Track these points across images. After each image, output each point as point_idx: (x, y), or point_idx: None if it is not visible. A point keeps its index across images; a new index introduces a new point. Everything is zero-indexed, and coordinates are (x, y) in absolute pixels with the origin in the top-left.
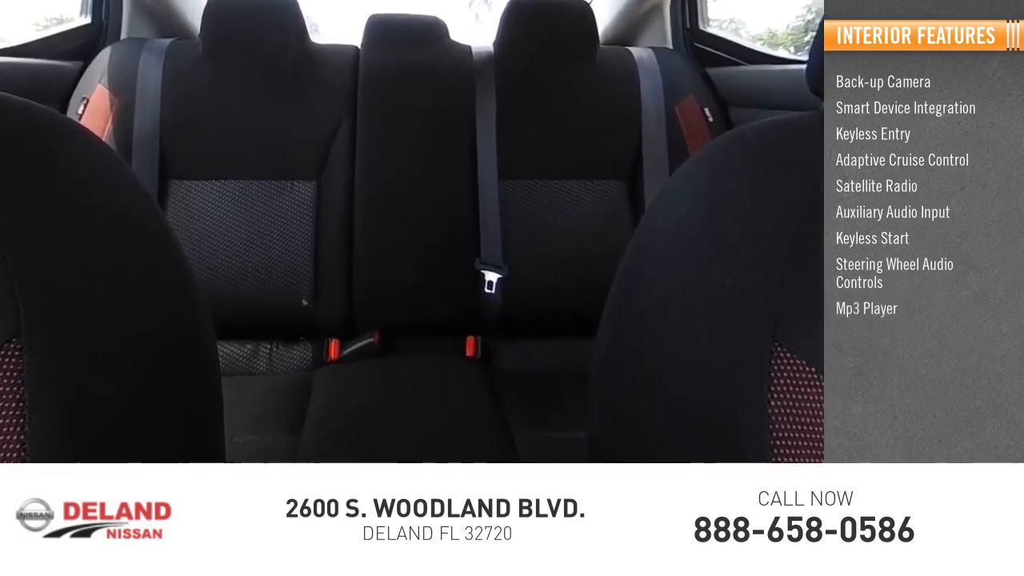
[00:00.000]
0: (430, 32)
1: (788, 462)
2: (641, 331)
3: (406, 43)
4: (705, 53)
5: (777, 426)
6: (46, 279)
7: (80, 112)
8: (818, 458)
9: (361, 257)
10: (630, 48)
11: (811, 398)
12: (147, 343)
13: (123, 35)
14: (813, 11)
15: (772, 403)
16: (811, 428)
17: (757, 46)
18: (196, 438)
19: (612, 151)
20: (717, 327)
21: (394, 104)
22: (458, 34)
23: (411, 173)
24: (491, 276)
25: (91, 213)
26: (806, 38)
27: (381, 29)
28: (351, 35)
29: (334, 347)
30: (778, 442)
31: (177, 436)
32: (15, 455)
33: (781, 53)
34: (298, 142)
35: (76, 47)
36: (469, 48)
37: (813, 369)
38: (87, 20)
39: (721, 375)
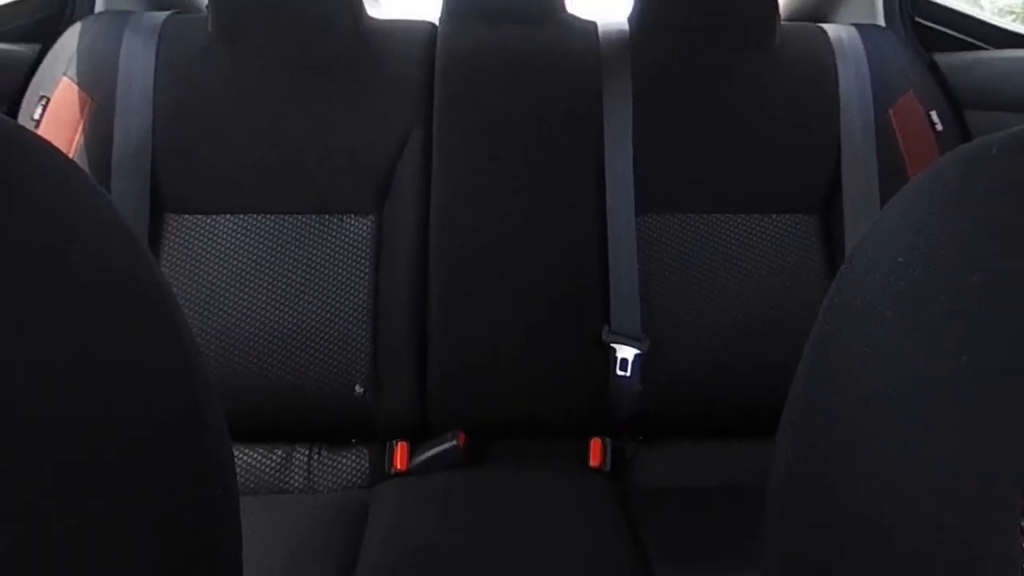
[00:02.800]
0: (539, 1)
1: None
2: (852, 436)
3: (504, 18)
4: (932, 33)
5: None
6: None
7: (37, 117)
8: None
9: (440, 327)
10: (824, 26)
11: None
12: (127, 456)
13: (98, 7)
14: None
15: None
16: None
17: (1006, 23)
18: None
19: (799, 174)
20: (974, 440)
21: (486, 107)
22: (578, 5)
23: (511, 207)
24: (625, 352)
25: (46, 267)
26: None
27: None
28: (425, 8)
29: (401, 453)
30: None
31: None
32: None
33: None
34: (350, 162)
35: (29, 24)
36: (595, 25)
37: None
38: None
39: (964, 496)
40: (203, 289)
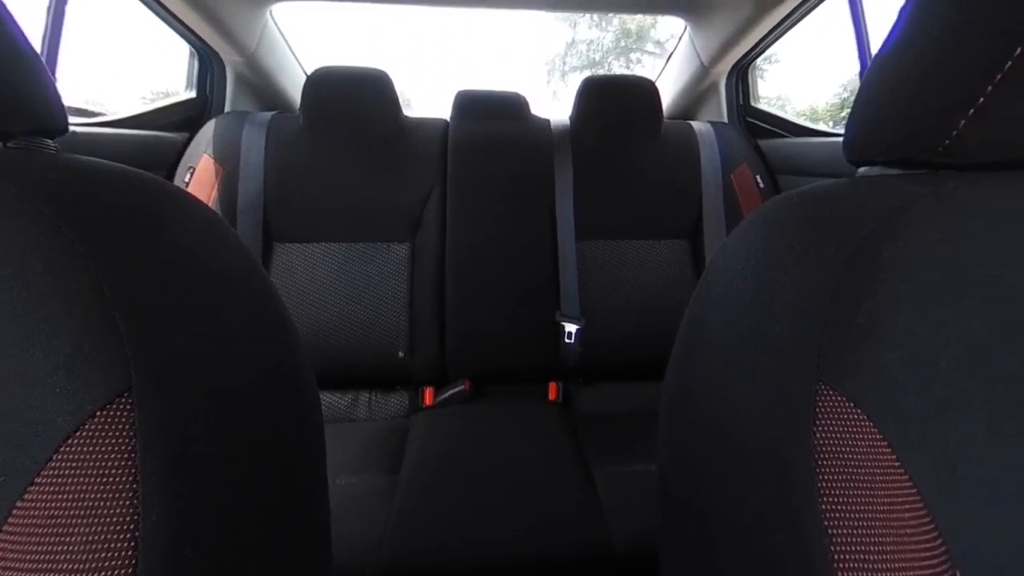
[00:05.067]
0: (513, 107)
1: (832, 492)
2: (703, 377)
3: (492, 117)
4: (756, 126)
5: (822, 458)
6: (155, 337)
7: (187, 180)
8: (861, 488)
9: (453, 312)
10: (690, 122)
11: (853, 431)
12: (251, 393)
13: (227, 108)
14: (848, 90)
15: (817, 436)
16: (854, 459)
17: (800, 121)
18: (299, 479)
19: (676, 214)
20: (769, 371)
21: (481, 172)
22: (537, 107)
23: (497, 235)
24: (570, 327)
25: (197, 275)
26: (842, 114)
27: (468, 104)
28: (439, 110)
29: (429, 394)
30: (823, 472)
31: (280, 478)
32: (127, 504)
33: (821, 127)
34: (394, 207)
35: (182, 119)
36: (548, 122)
37: (853, 404)
38: (192, 94)
39: (773, 415)
40: (299, 290)
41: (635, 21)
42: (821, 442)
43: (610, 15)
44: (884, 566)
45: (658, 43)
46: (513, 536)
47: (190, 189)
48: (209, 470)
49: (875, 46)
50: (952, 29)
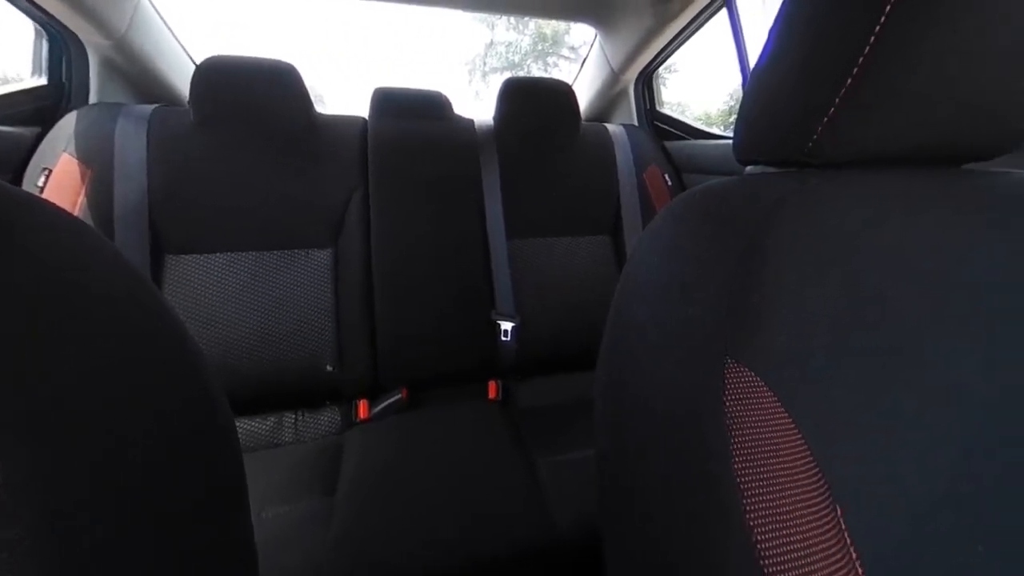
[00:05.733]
0: (436, 106)
1: (743, 453)
2: (630, 361)
3: (413, 116)
4: (662, 129)
5: (733, 424)
6: (13, 377)
7: (41, 184)
8: (765, 447)
9: (383, 318)
10: (606, 124)
11: (756, 399)
12: (148, 432)
13: (92, 99)
14: (734, 98)
15: (727, 405)
16: (758, 422)
17: (699, 125)
18: (216, 522)
19: (597, 211)
20: (685, 352)
21: (406, 172)
22: (461, 107)
23: (427, 236)
24: (506, 325)
25: (63, 297)
26: (730, 119)
27: (388, 102)
28: (355, 107)
29: (363, 407)
30: (734, 436)
31: (193, 525)
32: None
33: (715, 130)
34: (311, 211)
35: (30, 111)
36: (472, 122)
37: (754, 375)
38: (41, 81)
39: (691, 390)
40: (202, 308)
41: (550, 26)
42: (731, 411)
43: (526, 19)
44: (785, 510)
45: (573, 48)
46: (460, 540)
47: (46, 195)
48: (101, 530)
49: (753, 60)
50: (808, 49)
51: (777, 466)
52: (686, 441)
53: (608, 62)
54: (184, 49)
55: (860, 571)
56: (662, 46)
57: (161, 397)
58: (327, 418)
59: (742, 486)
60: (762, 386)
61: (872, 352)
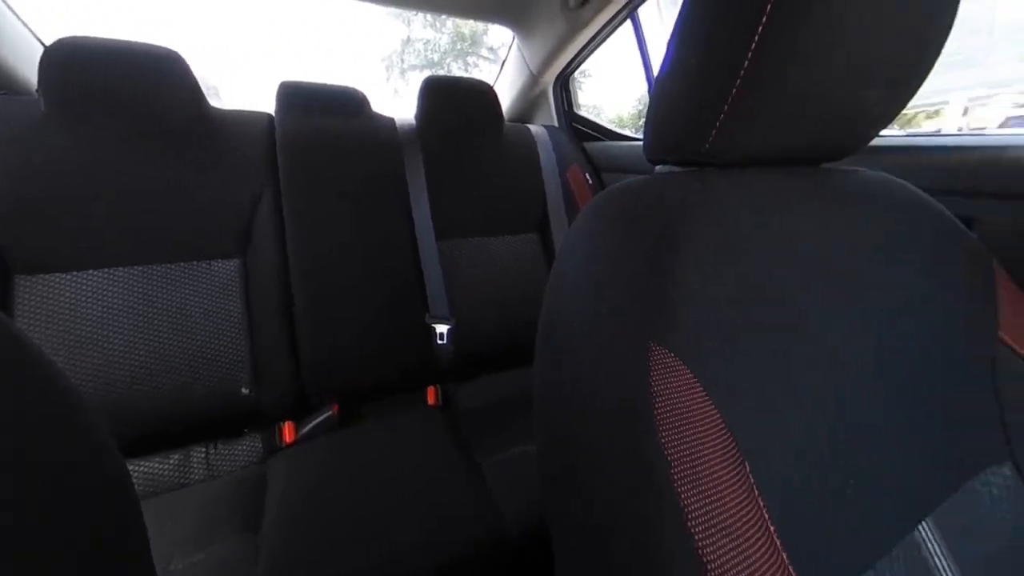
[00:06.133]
0: (352, 103)
1: (668, 425)
2: (563, 355)
3: (327, 112)
4: (580, 131)
5: (658, 400)
6: None
7: None
8: (685, 418)
9: (306, 330)
10: (528, 125)
11: (676, 375)
12: (17, 501)
13: None
14: (642, 103)
15: (653, 384)
16: (679, 396)
17: (612, 127)
18: None
19: (524, 210)
20: (612, 339)
21: (322, 172)
22: (379, 105)
23: (350, 241)
24: (441, 328)
25: None
26: (640, 122)
27: (296, 97)
28: (258, 102)
29: (288, 429)
30: (659, 410)
31: None
32: None
33: (627, 132)
34: (212, 218)
35: None
36: (393, 120)
37: (673, 355)
38: None
39: (620, 374)
40: (74, 335)
41: (468, 26)
42: (656, 388)
43: (443, 17)
44: (705, 470)
45: (492, 49)
46: (408, 551)
47: None
48: None
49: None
50: (700, 59)
51: (696, 435)
52: (618, 420)
53: (527, 64)
54: (27, 27)
55: (766, 516)
56: (576, 51)
57: (22, 451)
58: (245, 447)
59: (668, 456)
60: (679, 363)
61: (768, 328)
